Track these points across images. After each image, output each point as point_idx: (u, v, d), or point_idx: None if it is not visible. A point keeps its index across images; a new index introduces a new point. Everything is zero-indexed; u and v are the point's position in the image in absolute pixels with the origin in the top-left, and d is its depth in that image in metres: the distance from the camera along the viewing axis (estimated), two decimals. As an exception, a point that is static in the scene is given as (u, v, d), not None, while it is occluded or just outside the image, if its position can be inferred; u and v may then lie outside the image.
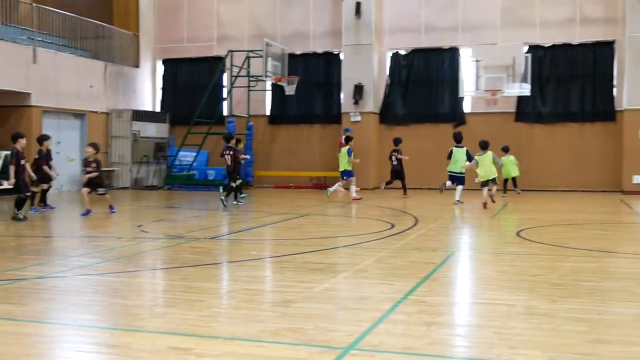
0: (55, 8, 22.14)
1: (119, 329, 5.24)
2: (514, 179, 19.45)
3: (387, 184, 19.18)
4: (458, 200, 16.27)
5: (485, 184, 15.57)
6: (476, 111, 22.39)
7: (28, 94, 19.85)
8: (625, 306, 5.84)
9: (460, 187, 16.50)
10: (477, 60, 21.03)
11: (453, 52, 22.52)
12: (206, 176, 23.19)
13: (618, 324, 5.28)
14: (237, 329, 5.15)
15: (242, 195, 16.98)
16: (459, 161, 16.55)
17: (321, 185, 23.14)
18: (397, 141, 19.19)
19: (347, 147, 17.75)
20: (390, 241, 10.02)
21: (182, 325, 5.24)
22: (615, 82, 21.25)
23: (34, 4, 21.56)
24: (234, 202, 15.80)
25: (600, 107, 21.34)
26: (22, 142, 13.18)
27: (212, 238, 10.72)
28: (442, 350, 4.72)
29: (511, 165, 19.19)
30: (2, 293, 6.51)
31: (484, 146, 15.83)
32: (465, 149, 16.75)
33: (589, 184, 21.25)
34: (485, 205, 15.17)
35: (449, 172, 16.90)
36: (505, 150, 19.34)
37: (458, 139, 16.85)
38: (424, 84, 22.90)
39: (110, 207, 14.20)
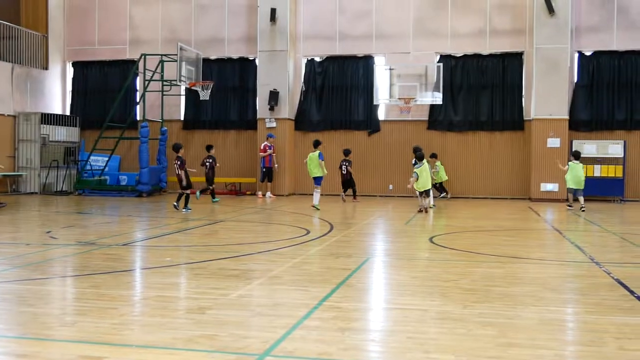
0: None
1: (28, 337, 5.09)
2: (441, 183, 20.95)
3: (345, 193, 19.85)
4: (433, 205, 17.44)
5: (425, 193, 16.15)
6: (390, 119, 22.85)
7: None
8: (532, 310, 6.05)
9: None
10: (390, 69, 21.52)
11: (367, 60, 22.90)
12: (118, 181, 22.71)
13: (526, 327, 5.45)
14: (150, 337, 5.09)
15: (215, 200, 18.75)
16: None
17: (236, 191, 23.06)
18: (347, 152, 20.09)
19: (318, 151, 17.45)
20: (305, 247, 10.10)
21: (94, 333, 5.14)
22: (523, 92, 22.03)
23: None
24: (183, 210, 15.72)
25: (509, 117, 22.07)
26: None
27: (125, 244, 10.52)
28: (357, 356, 4.78)
29: (442, 171, 20.92)
30: None
31: (421, 157, 16.26)
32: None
33: (499, 192, 22.04)
34: (424, 210, 16.08)
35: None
36: (434, 156, 20.59)
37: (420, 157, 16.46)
38: (338, 91, 23.15)
39: None
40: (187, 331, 5.20)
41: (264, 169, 21.52)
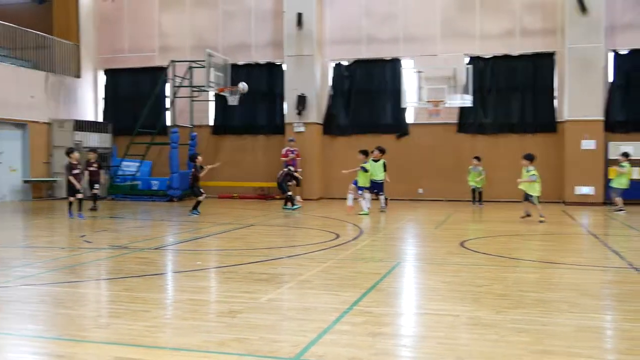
0: (-5, 18, 21.77)
1: (64, 339, 5.21)
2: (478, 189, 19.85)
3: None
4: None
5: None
6: (419, 122, 22.76)
7: (-33, 104, 19.41)
8: (568, 317, 5.95)
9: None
10: (418, 72, 21.38)
11: (395, 63, 22.85)
12: (150, 186, 22.95)
13: (561, 334, 5.37)
14: (182, 340, 5.17)
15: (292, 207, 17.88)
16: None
17: (265, 195, 23.18)
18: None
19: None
20: (335, 251, 10.12)
21: (127, 335, 5.24)
22: (556, 93, 21.67)
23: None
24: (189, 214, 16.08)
25: (541, 119, 21.75)
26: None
27: (157, 248, 10.66)
28: (388, 360, 4.79)
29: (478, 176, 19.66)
30: (-60, 307, 6.38)
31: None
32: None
33: (532, 195, 21.69)
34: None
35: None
36: (478, 159, 19.80)
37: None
38: (366, 94, 23.14)
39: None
40: (219, 334, 5.26)
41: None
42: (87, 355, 4.79)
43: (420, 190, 22.62)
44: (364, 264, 9.00)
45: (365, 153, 17.15)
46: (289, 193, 18.32)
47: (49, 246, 11.08)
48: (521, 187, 15.01)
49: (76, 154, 15.92)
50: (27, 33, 22.52)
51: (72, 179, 15.52)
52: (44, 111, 22.62)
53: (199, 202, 16.50)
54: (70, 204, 15.59)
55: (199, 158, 16.92)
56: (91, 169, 17.70)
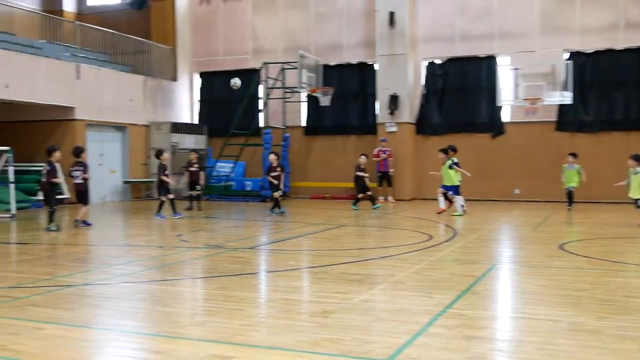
0: (96, 25, 22.72)
1: (162, 335, 5.33)
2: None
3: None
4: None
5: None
6: (515, 120, 22.14)
7: (72, 108, 20.36)
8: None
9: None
10: (515, 69, 20.78)
11: (490, 60, 22.34)
12: (243, 187, 23.36)
13: (670, 342, 5.06)
14: (276, 339, 5.20)
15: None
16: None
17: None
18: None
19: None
20: (428, 253, 9.97)
21: (222, 333, 5.31)
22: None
23: (77, 22, 22.11)
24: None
25: (647, 116, 20.72)
26: (57, 155, 13.54)
27: (251, 248, 10.81)
28: (483, 364, 4.66)
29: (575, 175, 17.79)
30: (51, 298, 6.70)
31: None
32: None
33: (637, 196, 20.66)
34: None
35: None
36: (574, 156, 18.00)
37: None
38: (460, 93, 22.74)
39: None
40: (312, 334, 5.25)
41: (379, 174, 21.58)
42: (183, 352, 4.88)
43: (517, 191, 21.99)
44: (458, 265, 8.82)
45: (445, 152, 16.83)
46: (360, 195, 18.52)
47: (147, 245, 11.45)
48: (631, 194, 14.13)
49: (166, 155, 16.44)
50: (127, 39, 23.42)
51: (165, 178, 15.94)
52: (142, 114, 23.44)
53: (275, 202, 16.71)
54: (162, 204, 15.98)
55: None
56: (192, 169, 18.25)
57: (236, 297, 6.79)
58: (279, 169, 16.85)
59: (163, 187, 15.99)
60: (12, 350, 4.78)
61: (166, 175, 15.95)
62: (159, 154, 16.38)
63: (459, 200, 16.38)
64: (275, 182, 16.66)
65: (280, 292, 7.19)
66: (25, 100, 18.99)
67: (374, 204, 18.24)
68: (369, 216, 16.60)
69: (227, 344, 5.01)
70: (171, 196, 16.02)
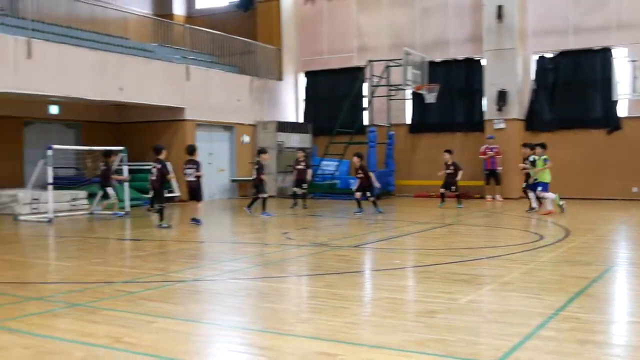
0: (204, 27, 23.42)
1: (269, 331, 5.41)
2: None
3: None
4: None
5: None
6: (633, 115, 21.04)
7: (182, 109, 21.07)
8: None
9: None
10: (633, 60, 19.74)
11: (605, 52, 21.34)
12: (348, 185, 23.41)
13: None
14: (381, 338, 5.16)
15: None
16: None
17: (463, 194, 22.70)
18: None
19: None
20: (538, 253, 9.65)
21: (328, 331, 5.33)
22: None
23: (187, 25, 22.86)
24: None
25: None
26: (164, 153, 14.16)
27: (355, 246, 10.81)
28: (598, 370, 4.46)
29: None
30: (163, 293, 6.96)
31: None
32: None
33: None
34: None
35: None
36: None
37: None
38: (572, 87, 21.86)
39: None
40: (418, 334, 5.18)
41: (486, 172, 21.11)
42: (289, 348, 4.93)
43: (635, 189, 20.89)
44: (571, 267, 8.47)
45: (531, 147, 16.45)
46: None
47: (254, 242, 11.67)
48: None
49: (266, 155, 16.87)
50: (234, 40, 23.98)
51: (264, 177, 16.39)
52: (249, 113, 23.95)
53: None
54: (255, 201, 16.34)
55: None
56: (299, 167, 18.49)
57: (341, 295, 6.80)
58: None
59: (261, 186, 16.32)
60: (126, 343, 4.98)
61: (264, 174, 16.35)
62: (261, 152, 16.87)
63: (549, 196, 15.87)
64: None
65: (386, 290, 7.14)
66: (138, 102, 19.81)
67: (442, 201, 18.48)
68: (475, 215, 16.25)
69: (332, 341, 5.02)
70: (265, 195, 16.33)
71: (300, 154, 18.94)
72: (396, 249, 10.65)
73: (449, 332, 5.24)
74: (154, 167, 13.85)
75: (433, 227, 13.60)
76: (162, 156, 13.89)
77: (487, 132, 21.98)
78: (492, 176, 21.13)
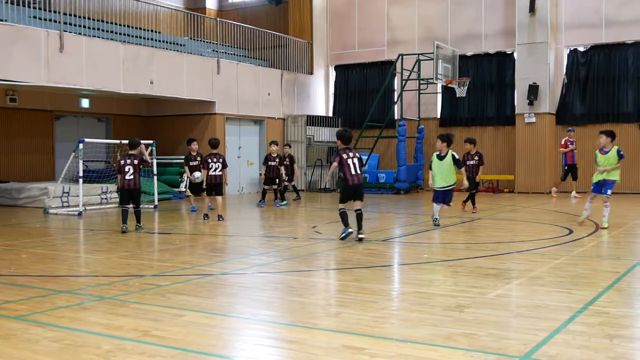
0: (236, 21, 23.54)
1: (296, 325, 5.45)
2: None
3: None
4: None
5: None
6: (666, 109, 20.74)
7: (213, 103, 21.23)
8: None
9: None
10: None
11: (637, 46, 21.05)
12: (377, 179, 23.42)
13: None
14: (409, 332, 5.18)
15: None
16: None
17: (494, 188, 22.57)
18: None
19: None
20: (568, 248, 9.57)
21: (356, 325, 5.36)
22: None
23: (218, 19, 23.01)
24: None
25: None
26: (193, 146, 15.63)
27: (384, 240, 10.83)
28: (628, 365, 4.43)
29: None
30: (191, 286, 7.03)
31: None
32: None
33: None
34: None
35: None
36: None
37: None
38: (604, 81, 21.61)
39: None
40: (446, 328, 5.20)
41: (566, 167, 19.70)
42: (317, 342, 4.97)
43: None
44: (601, 261, 8.40)
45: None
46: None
47: (282, 236, 11.74)
48: None
49: (287, 149, 18.09)
50: (264, 33, 24.09)
51: (283, 170, 17.35)
52: (279, 107, 24.04)
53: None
54: (277, 192, 17.34)
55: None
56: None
57: (369, 289, 6.82)
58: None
59: (278, 177, 17.35)
60: (155, 336, 5.05)
61: (273, 165, 17.25)
62: (271, 144, 17.72)
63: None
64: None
65: (414, 285, 7.16)
66: (168, 96, 20.00)
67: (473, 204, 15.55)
68: (505, 209, 16.14)
69: (360, 335, 5.05)
70: (275, 187, 17.36)
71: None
72: (424, 243, 10.64)
73: (477, 326, 5.24)
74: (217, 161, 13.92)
75: (462, 221, 13.54)
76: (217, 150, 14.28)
77: (518, 126, 21.79)
78: (571, 171, 19.59)
